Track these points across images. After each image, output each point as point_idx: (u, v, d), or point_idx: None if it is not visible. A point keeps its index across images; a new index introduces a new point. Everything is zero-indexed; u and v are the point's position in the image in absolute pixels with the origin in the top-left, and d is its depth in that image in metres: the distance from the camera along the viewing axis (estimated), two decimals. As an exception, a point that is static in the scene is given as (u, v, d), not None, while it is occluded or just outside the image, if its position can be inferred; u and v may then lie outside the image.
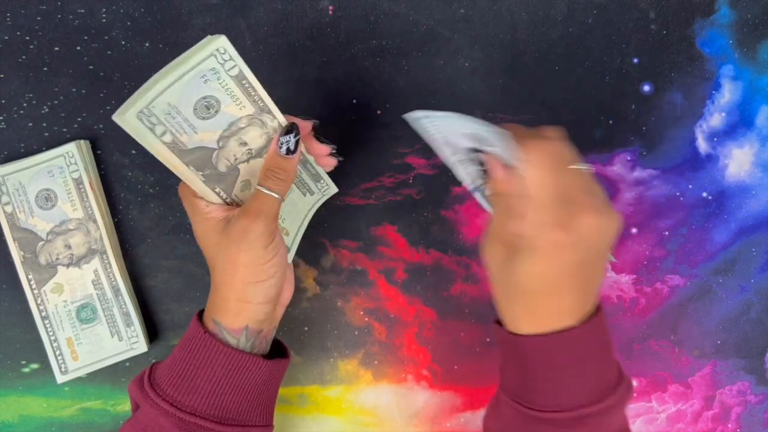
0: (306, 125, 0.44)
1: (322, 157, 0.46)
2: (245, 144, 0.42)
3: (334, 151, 0.46)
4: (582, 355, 0.38)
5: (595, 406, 0.37)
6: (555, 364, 0.38)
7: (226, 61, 0.40)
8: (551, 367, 0.38)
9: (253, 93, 0.41)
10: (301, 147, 0.43)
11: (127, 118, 0.38)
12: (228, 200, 0.43)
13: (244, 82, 0.41)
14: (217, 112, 0.41)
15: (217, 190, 0.42)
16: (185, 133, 0.40)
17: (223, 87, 0.40)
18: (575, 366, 0.38)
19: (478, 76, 0.54)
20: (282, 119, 0.43)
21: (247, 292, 0.42)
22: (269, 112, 0.42)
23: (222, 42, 0.40)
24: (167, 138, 0.39)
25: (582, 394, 0.38)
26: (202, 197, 0.43)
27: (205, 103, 0.40)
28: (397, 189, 0.54)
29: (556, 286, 0.37)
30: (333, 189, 0.50)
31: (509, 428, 0.41)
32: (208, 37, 0.40)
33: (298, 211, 0.48)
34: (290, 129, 0.42)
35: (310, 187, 0.49)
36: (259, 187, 0.42)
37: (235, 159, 0.42)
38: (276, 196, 0.42)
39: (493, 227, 0.39)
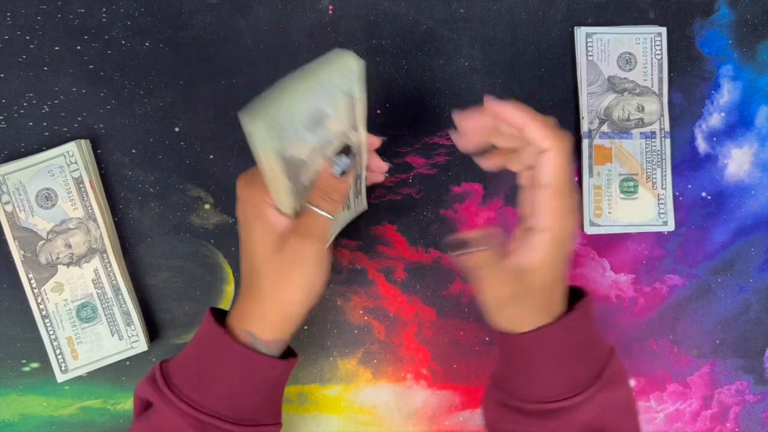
0: (376, 142, 0.44)
1: (377, 173, 0.47)
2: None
3: (391, 168, 0.46)
4: (553, 348, 0.40)
5: (566, 401, 0.39)
6: (530, 358, 0.41)
7: (347, 76, 0.38)
8: (528, 360, 0.41)
9: (354, 110, 0.40)
10: (357, 165, 0.43)
11: (259, 125, 0.35)
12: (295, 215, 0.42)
13: (352, 100, 0.39)
14: (321, 126, 0.39)
15: (295, 204, 0.41)
16: (292, 143, 0.38)
17: (334, 101, 0.38)
18: (548, 361, 0.40)
19: (477, 76, 0.54)
20: (364, 137, 0.41)
21: (291, 310, 0.42)
22: (356, 128, 0.41)
23: (350, 61, 0.38)
24: (279, 145, 0.37)
25: (553, 388, 0.40)
26: (278, 207, 0.41)
27: (316, 115, 0.38)
28: (397, 188, 0.54)
29: (561, 274, 0.41)
30: (364, 206, 0.49)
31: (491, 411, 0.44)
32: (339, 51, 0.38)
33: (335, 225, 0.46)
34: (346, 150, 0.41)
35: (350, 202, 0.47)
36: (310, 206, 0.41)
37: (315, 174, 0.41)
38: (329, 217, 0.41)
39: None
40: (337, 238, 0.54)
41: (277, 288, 0.41)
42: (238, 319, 0.43)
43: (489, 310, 0.41)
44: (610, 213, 0.54)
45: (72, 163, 0.50)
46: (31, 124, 0.52)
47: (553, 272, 0.40)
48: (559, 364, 0.40)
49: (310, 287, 0.42)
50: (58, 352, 0.51)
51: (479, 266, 0.40)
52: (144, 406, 0.44)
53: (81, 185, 0.50)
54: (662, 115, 0.54)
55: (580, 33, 0.54)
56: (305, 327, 0.54)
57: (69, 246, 0.51)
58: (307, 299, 0.42)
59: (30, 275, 0.50)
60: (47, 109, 0.52)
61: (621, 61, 0.54)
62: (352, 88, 0.38)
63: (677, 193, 0.55)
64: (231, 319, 0.43)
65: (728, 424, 0.56)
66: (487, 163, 0.45)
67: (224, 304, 0.53)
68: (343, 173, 0.41)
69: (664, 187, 0.54)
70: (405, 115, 0.54)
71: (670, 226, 0.54)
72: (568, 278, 0.42)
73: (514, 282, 0.39)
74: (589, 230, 0.54)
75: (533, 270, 0.39)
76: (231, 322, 0.43)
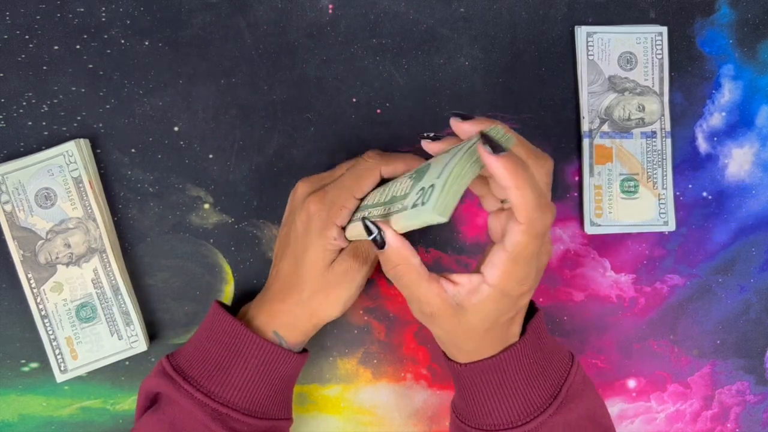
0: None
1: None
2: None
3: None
4: (503, 379, 0.40)
5: (521, 427, 0.39)
6: (480, 388, 0.41)
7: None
8: (477, 390, 0.41)
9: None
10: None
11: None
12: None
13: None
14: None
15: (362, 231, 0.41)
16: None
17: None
18: (496, 390, 0.40)
19: (478, 76, 0.54)
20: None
21: (324, 319, 0.45)
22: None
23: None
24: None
25: (505, 416, 0.40)
26: (345, 230, 0.43)
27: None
28: (397, 188, 0.54)
29: (502, 324, 0.39)
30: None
31: None
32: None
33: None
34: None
35: None
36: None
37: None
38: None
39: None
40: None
41: (319, 300, 0.44)
42: (266, 321, 0.45)
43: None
44: (610, 213, 0.54)
45: (71, 162, 0.50)
46: (30, 123, 0.52)
47: (490, 322, 0.38)
48: (510, 392, 0.40)
49: (347, 304, 0.45)
50: (57, 352, 0.51)
51: (409, 285, 0.38)
52: (150, 402, 0.44)
53: (80, 185, 0.50)
54: (663, 115, 0.54)
55: (581, 32, 0.53)
56: (305, 327, 0.54)
57: (68, 246, 0.50)
58: (340, 314, 0.46)
59: (29, 275, 0.50)
60: (46, 109, 0.52)
61: (622, 60, 0.54)
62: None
63: (678, 193, 0.55)
64: (253, 314, 0.45)
65: (729, 425, 0.56)
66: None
67: (224, 304, 0.53)
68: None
69: (664, 186, 0.54)
70: (405, 114, 0.54)
71: (671, 226, 0.54)
72: (519, 320, 0.41)
73: (447, 309, 0.37)
74: (590, 230, 0.54)
75: (467, 311, 0.37)
76: (253, 318, 0.45)
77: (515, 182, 0.32)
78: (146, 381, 0.44)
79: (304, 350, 0.48)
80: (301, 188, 0.46)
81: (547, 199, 0.36)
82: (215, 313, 0.45)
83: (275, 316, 0.45)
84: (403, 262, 0.37)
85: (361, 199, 0.44)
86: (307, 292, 0.44)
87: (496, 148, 0.32)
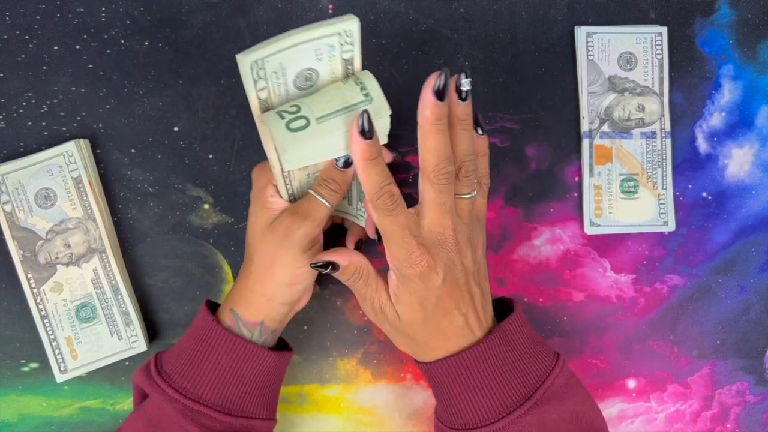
0: (388, 156, 0.46)
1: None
2: None
3: (396, 158, 0.47)
4: (469, 377, 0.40)
5: (487, 427, 0.39)
6: (448, 387, 0.40)
7: (346, 42, 0.37)
8: (446, 389, 0.41)
9: (353, 76, 0.39)
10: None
11: (241, 60, 0.35)
12: (292, 198, 0.43)
13: (349, 67, 0.39)
14: (312, 86, 0.38)
15: (288, 183, 0.42)
16: (279, 96, 0.38)
17: (330, 66, 0.38)
18: (463, 388, 0.40)
19: (478, 76, 0.54)
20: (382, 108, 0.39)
21: (274, 290, 0.43)
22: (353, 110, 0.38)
23: (350, 25, 0.37)
24: (263, 95, 0.37)
25: (472, 415, 0.40)
26: (275, 185, 0.43)
27: (306, 74, 0.38)
28: (397, 188, 0.54)
29: (425, 308, 0.40)
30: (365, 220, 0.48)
31: None
32: (343, 16, 0.37)
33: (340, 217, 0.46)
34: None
35: (353, 197, 0.47)
36: (312, 192, 0.42)
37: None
38: (327, 204, 0.42)
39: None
40: (337, 237, 0.54)
41: (264, 265, 0.42)
42: (227, 301, 0.44)
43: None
44: (610, 213, 0.54)
45: (71, 162, 0.50)
46: (30, 123, 0.52)
47: (416, 311, 0.40)
48: (478, 391, 0.39)
49: (294, 269, 0.42)
50: (57, 352, 0.51)
51: (360, 289, 0.41)
52: (142, 396, 0.44)
53: (80, 185, 0.50)
54: (663, 115, 0.54)
55: (581, 33, 0.53)
56: (305, 327, 0.54)
57: (68, 246, 0.50)
58: (292, 283, 0.43)
59: (29, 275, 0.50)
60: (46, 109, 0.52)
61: (621, 60, 0.54)
62: (352, 55, 0.38)
63: (678, 193, 0.55)
64: (223, 304, 0.44)
65: (728, 425, 0.56)
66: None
67: (224, 304, 0.53)
68: (345, 165, 0.41)
69: (664, 187, 0.54)
70: (405, 115, 0.54)
71: (671, 226, 0.54)
72: (456, 309, 0.40)
73: (389, 305, 0.41)
74: (590, 230, 0.54)
75: (396, 301, 0.40)
76: (221, 307, 0.44)
77: (362, 166, 0.36)
78: (134, 375, 0.44)
79: (287, 349, 0.46)
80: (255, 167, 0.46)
81: (384, 182, 0.37)
82: (200, 310, 0.44)
83: (233, 295, 0.44)
84: (355, 275, 0.40)
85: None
86: (255, 261, 0.43)
87: (366, 131, 0.36)
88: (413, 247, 0.37)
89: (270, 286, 0.42)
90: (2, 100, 0.52)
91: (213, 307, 0.46)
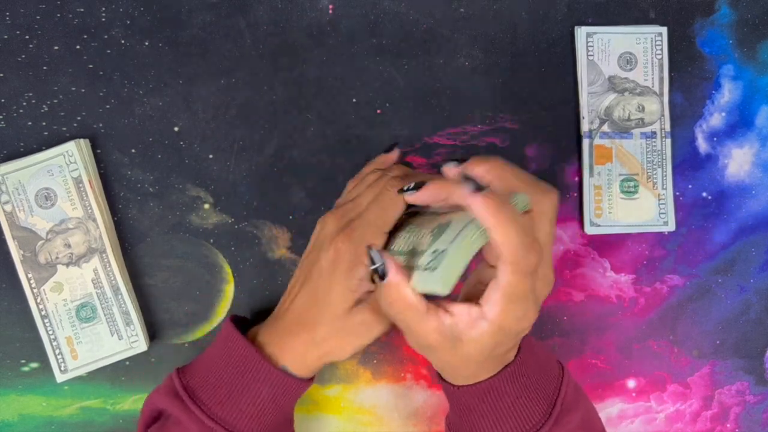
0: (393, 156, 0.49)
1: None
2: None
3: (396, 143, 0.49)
4: (498, 399, 0.40)
5: None
6: (475, 409, 0.40)
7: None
8: (472, 410, 0.40)
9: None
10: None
11: None
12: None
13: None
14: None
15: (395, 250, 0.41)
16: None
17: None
18: (491, 410, 0.40)
19: (478, 76, 0.54)
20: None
21: (332, 360, 0.43)
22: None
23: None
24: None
25: None
26: (366, 264, 0.41)
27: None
28: (397, 188, 0.54)
29: (499, 354, 0.39)
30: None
31: None
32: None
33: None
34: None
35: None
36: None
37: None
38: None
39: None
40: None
41: (332, 344, 0.42)
42: (277, 351, 0.43)
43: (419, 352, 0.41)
44: (610, 213, 0.54)
45: (71, 162, 0.50)
46: (30, 123, 0.52)
47: (486, 354, 0.37)
48: (506, 412, 0.39)
49: (359, 351, 0.44)
50: (57, 352, 0.51)
51: (405, 311, 0.37)
52: (154, 417, 0.43)
53: (80, 185, 0.50)
54: (663, 115, 0.54)
55: (581, 33, 0.53)
56: (305, 327, 0.54)
57: (68, 246, 0.50)
58: (349, 357, 0.44)
59: (29, 275, 0.50)
60: (46, 109, 0.52)
61: (621, 60, 0.54)
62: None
63: (678, 193, 0.55)
64: (265, 340, 0.44)
65: (728, 425, 0.56)
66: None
67: (223, 304, 0.53)
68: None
69: (664, 187, 0.54)
70: (405, 115, 0.54)
71: (671, 226, 0.54)
72: (516, 348, 0.40)
73: (444, 341, 0.37)
74: (590, 230, 0.54)
75: (464, 344, 0.37)
76: (265, 345, 0.44)
77: (496, 220, 0.32)
78: (155, 396, 0.43)
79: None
80: (331, 223, 0.44)
81: (532, 237, 0.34)
82: (230, 333, 0.43)
83: (286, 350, 0.43)
84: (400, 299, 0.37)
85: (390, 236, 0.43)
86: (322, 334, 0.42)
87: (476, 186, 0.33)
88: (531, 305, 0.36)
89: (332, 357, 0.43)
90: (2, 100, 0.52)
91: (239, 324, 0.45)
